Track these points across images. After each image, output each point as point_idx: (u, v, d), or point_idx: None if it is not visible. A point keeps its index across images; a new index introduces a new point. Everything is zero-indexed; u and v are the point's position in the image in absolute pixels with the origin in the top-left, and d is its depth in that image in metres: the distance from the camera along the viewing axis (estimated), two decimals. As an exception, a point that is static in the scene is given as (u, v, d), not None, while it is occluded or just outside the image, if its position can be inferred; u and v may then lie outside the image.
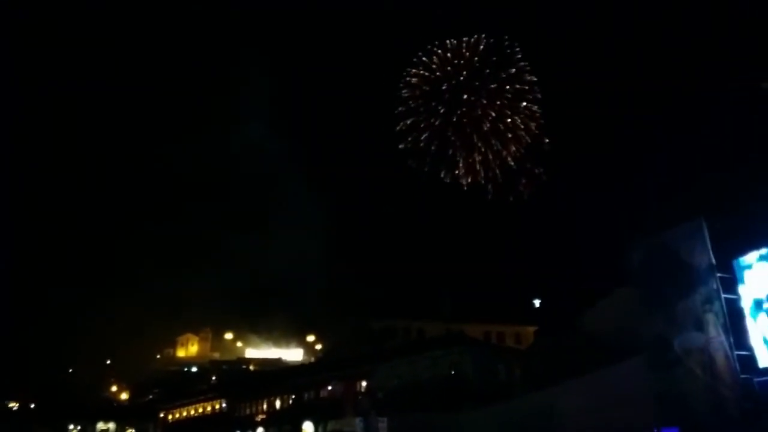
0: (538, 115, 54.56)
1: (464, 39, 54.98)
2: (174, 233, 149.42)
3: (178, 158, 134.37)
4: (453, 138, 55.38)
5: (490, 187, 55.62)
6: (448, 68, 55.16)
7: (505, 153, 54.92)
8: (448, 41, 55.50)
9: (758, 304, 15.36)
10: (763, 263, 15.29)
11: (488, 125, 54.78)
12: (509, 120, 54.62)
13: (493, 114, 54.50)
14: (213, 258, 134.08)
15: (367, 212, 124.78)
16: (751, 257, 15.59)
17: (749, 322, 15.54)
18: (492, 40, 54.22)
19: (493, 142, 54.74)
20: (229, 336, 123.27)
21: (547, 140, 54.36)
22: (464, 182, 56.24)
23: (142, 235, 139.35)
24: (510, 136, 54.61)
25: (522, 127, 54.68)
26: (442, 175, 56.41)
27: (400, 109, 56.73)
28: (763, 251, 15.32)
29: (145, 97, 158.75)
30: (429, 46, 55.92)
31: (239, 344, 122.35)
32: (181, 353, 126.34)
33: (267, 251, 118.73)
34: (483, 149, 55.12)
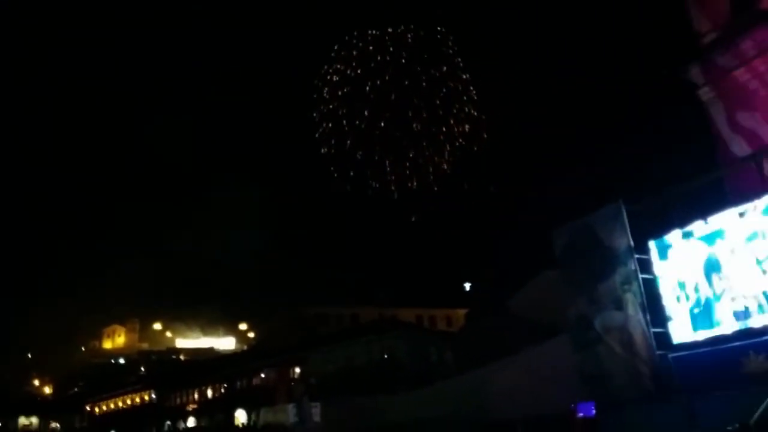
0: (473, 116, 50.42)
1: (388, 30, 47.86)
2: (98, 223, 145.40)
3: (103, 148, 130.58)
4: (378, 145, 49.81)
5: (410, 202, 50.58)
6: (371, 65, 48.12)
7: (437, 159, 50.28)
8: (369, 32, 48.08)
9: (680, 282, 15.85)
10: (685, 241, 15.75)
11: (418, 128, 50.13)
12: (442, 122, 50.10)
13: (424, 115, 50.04)
14: (140, 247, 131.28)
15: (300, 201, 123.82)
16: (674, 236, 16.04)
17: (668, 298, 16.08)
18: (421, 33, 47.42)
19: (425, 144, 50.37)
20: (158, 326, 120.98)
21: (483, 137, 49.57)
22: (394, 189, 51.22)
23: (65, 226, 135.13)
24: (442, 138, 50.26)
25: (456, 130, 50.69)
26: (369, 183, 50.95)
27: (320, 109, 51.18)
28: (687, 229, 15.70)
29: (63, 98, 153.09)
30: (347, 38, 48.34)
31: (169, 334, 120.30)
32: (107, 345, 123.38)
33: (196, 240, 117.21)
34: (412, 155, 50.73)
